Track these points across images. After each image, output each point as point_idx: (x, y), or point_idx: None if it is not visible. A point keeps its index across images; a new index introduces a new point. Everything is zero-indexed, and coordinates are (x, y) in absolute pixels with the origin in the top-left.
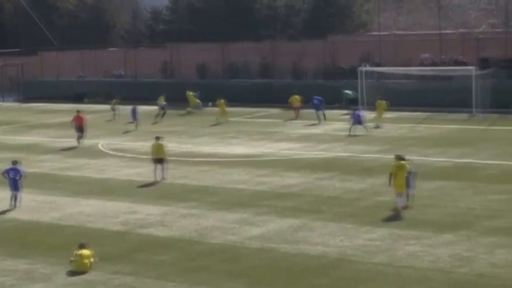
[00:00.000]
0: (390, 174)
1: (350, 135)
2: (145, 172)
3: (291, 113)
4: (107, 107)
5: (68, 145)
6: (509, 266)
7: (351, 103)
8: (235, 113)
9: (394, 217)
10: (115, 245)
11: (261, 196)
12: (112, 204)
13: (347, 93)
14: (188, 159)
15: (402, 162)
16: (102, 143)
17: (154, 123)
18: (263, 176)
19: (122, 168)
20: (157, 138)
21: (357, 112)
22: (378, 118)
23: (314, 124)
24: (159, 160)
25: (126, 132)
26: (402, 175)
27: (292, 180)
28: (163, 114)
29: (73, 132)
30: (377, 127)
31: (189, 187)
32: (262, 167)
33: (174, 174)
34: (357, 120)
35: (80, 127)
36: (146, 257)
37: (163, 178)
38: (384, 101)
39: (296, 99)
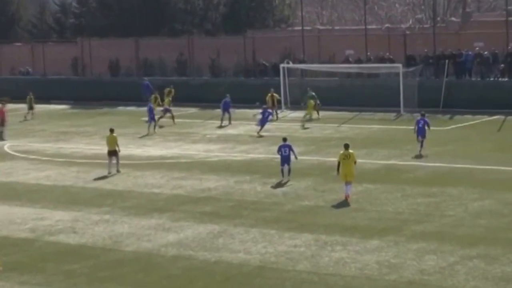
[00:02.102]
0: (338, 163)
1: (260, 136)
2: (54, 175)
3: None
4: (13, 106)
5: None
6: (438, 272)
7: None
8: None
9: (319, 222)
10: (22, 254)
11: (178, 200)
12: (19, 209)
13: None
14: (100, 161)
15: (350, 151)
16: (8, 145)
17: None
18: (180, 180)
19: (30, 171)
20: (111, 130)
21: (267, 111)
22: (307, 117)
23: (223, 126)
24: (113, 152)
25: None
26: (349, 164)
27: (211, 183)
28: (172, 117)
29: None
30: (304, 127)
31: (101, 191)
32: (178, 169)
33: (85, 178)
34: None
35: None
36: (56, 266)
37: (118, 171)
38: (313, 100)
39: (273, 97)
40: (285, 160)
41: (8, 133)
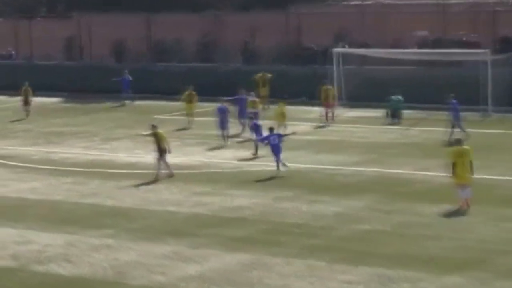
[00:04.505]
0: (453, 164)
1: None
2: (42, 187)
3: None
4: None
5: None
6: None
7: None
8: (162, 108)
9: (380, 252)
10: (2, 286)
11: (200, 222)
12: None
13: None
14: (100, 170)
15: (465, 147)
16: None
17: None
18: (203, 195)
19: (11, 182)
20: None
21: (254, 121)
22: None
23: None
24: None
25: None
26: (465, 162)
27: (242, 200)
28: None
29: None
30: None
31: (102, 209)
32: (200, 182)
33: (81, 191)
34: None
35: None
36: None
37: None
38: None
39: (328, 92)
40: (276, 149)
41: None
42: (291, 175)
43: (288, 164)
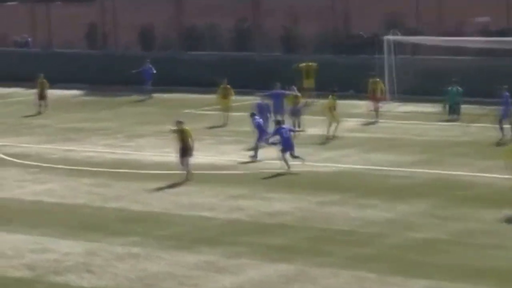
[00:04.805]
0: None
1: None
2: (61, 189)
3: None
4: (3, 91)
5: None
6: None
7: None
8: (193, 102)
9: (438, 262)
10: None
11: (236, 228)
12: (10, 237)
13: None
14: (125, 171)
15: None
16: None
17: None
18: (239, 199)
19: (26, 184)
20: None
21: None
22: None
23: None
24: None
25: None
26: None
27: (283, 205)
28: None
29: None
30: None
31: (127, 214)
32: (237, 184)
33: (105, 194)
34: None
35: None
36: None
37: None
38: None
39: (376, 84)
40: (288, 144)
41: None
42: (337, 177)
43: (337, 165)
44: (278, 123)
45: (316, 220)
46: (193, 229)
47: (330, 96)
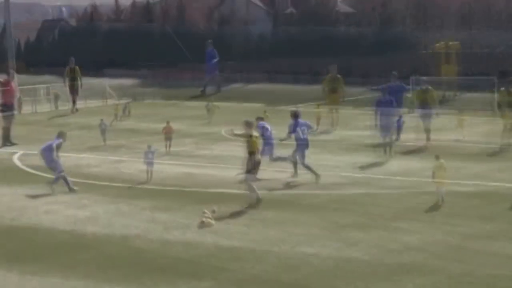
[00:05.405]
0: None
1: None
2: (107, 215)
3: None
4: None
5: None
6: None
7: None
8: (286, 95)
9: None
10: None
11: (350, 270)
12: (43, 285)
13: None
14: (196, 190)
15: None
16: (20, 153)
17: None
18: (352, 229)
19: (61, 207)
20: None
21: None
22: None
23: None
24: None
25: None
26: None
27: (412, 238)
28: None
29: None
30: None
31: (200, 249)
32: (348, 209)
33: (168, 222)
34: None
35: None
36: None
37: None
38: None
39: None
40: (304, 146)
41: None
42: (489, 199)
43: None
44: (296, 116)
45: (460, 260)
46: (290, 272)
47: (502, 89)
